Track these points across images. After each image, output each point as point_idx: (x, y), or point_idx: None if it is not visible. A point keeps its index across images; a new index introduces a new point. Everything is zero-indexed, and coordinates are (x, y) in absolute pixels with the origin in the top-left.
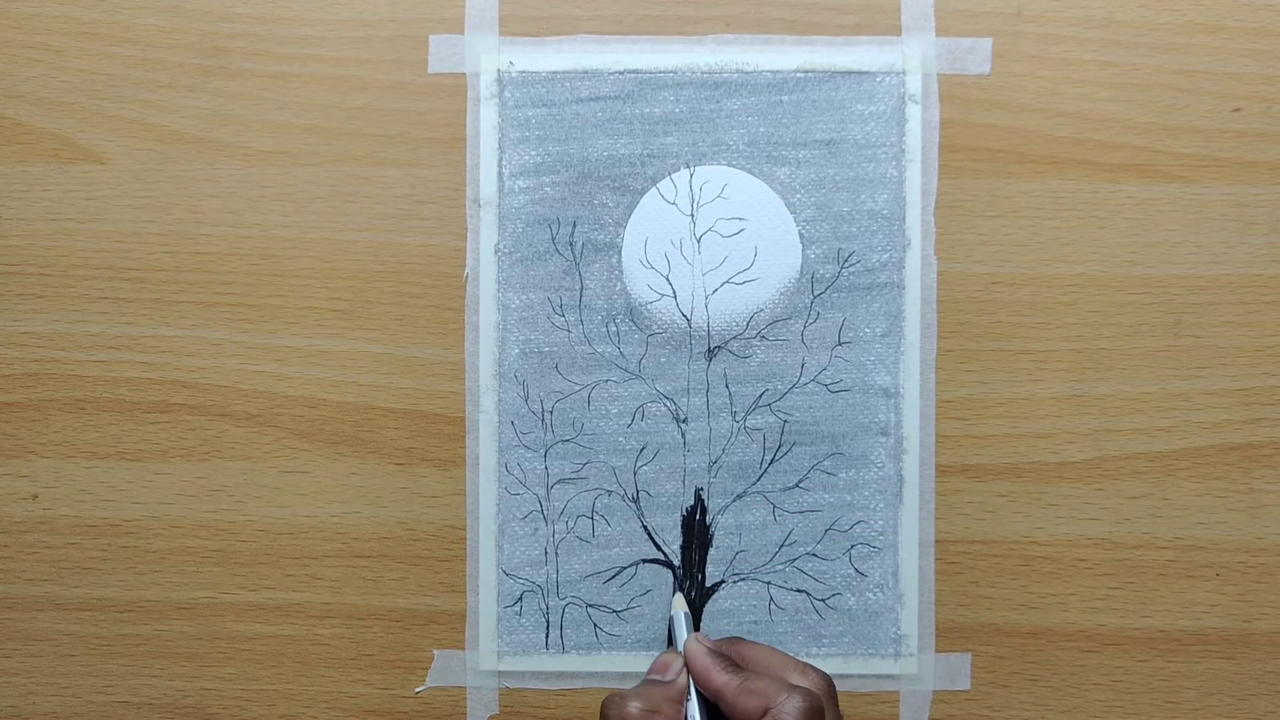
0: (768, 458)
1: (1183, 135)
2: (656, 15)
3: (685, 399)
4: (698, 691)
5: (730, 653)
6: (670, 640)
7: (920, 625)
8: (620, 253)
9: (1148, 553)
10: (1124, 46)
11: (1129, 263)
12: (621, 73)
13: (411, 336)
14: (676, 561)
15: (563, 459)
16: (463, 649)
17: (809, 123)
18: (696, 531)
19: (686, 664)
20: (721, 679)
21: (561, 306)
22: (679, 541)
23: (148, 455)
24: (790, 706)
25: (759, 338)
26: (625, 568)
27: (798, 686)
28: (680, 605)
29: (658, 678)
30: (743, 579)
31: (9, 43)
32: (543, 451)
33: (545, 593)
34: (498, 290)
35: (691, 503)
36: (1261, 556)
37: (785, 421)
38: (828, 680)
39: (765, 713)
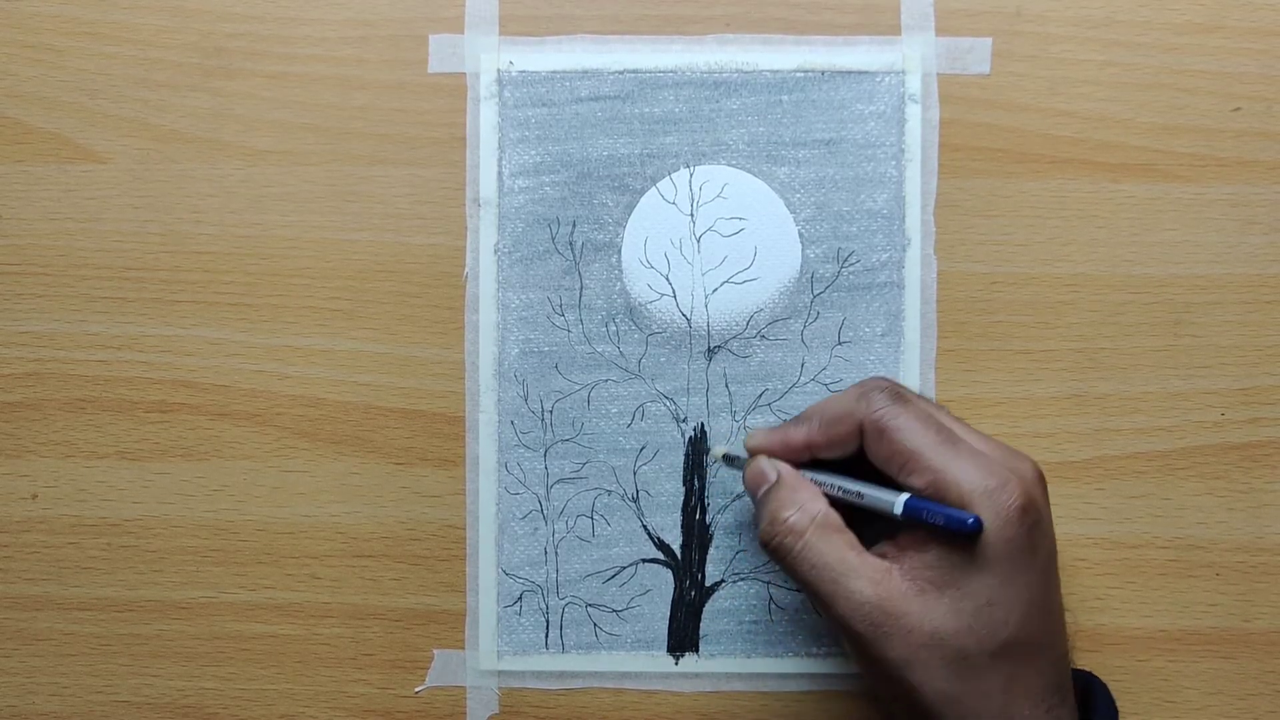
0: None
1: (1183, 135)
2: (656, 15)
3: (685, 399)
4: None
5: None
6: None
7: None
8: (620, 252)
9: (1148, 553)
10: (1124, 46)
11: (1129, 263)
12: (621, 72)
13: (411, 336)
14: (676, 561)
15: (562, 459)
16: (463, 649)
17: (809, 122)
18: (696, 531)
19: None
20: (923, 438)
21: (561, 306)
22: (679, 541)
23: (148, 455)
24: (1026, 469)
25: (759, 337)
26: (625, 567)
27: (1021, 456)
28: (719, 450)
29: (782, 491)
30: (743, 578)
31: (9, 43)
32: (542, 451)
33: (545, 592)
34: (497, 290)
35: (691, 501)
36: (1261, 556)
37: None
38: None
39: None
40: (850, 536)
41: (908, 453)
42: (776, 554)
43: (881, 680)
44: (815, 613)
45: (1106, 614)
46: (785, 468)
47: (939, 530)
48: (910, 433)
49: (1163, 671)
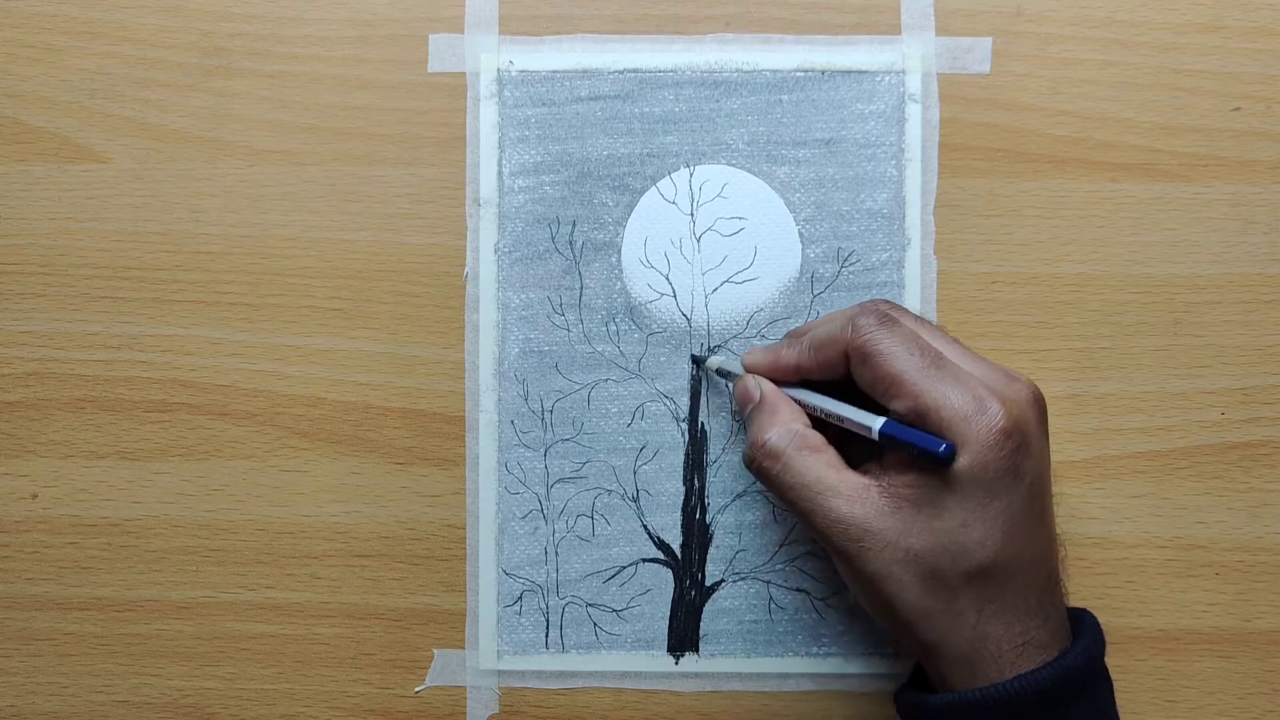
0: None
1: (1183, 135)
2: (656, 15)
3: (685, 398)
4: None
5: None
6: (740, 405)
7: None
8: (620, 252)
9: (1147, 552)
10: (1124, 46)
11: (1129, 262)
12: (621, 72)
13: (411, 336)
14: (676, 561)
15: (563, 458)
16: (463, 648)
17: (809, 122)
18: (696, 530)
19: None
20: (907, 362)
21: (561, 306)
22: (679, 541)
23: (147, 455)
24: (1017, 392)
25: (759, 337)
26: (625, 567)
27: (1017, 378)
28: (714, 361)
29: (763, 411)
30: (743, 578)
31: (9, 42)
32: (542, 451)
33: (545, 592)
34: (498, 290)
35: (691, 501)
36: (1260, 556)
37: None
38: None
39: (978, 403)
40: (830, 455)
41: (891, 377)
42: (758, 475)
43: (863, 593)
44: (807, 535)
45: (1105, 614)
46: (769, 387)
47: (916, 453)
48: (894, 357)
49: (1162, 671)
